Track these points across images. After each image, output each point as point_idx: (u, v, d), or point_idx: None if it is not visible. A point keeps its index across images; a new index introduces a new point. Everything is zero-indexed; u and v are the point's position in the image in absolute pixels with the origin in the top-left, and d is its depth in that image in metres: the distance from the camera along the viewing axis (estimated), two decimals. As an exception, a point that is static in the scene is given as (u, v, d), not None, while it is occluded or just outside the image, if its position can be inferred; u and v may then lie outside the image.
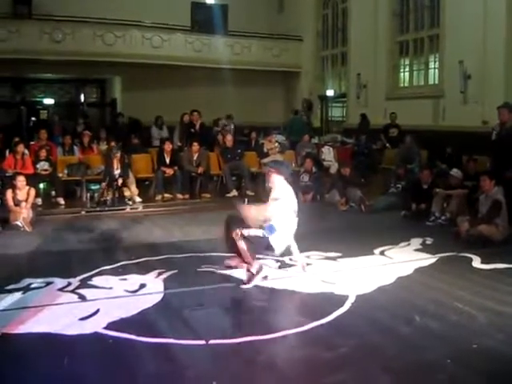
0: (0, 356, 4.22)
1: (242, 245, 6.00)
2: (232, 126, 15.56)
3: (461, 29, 13.96)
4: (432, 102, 15.31)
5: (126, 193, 10.98)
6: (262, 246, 6.14)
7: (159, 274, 6.44)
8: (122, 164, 11.18)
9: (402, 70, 17.41)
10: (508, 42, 13.12)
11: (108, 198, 10.73)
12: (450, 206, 9.34)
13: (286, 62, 21.01)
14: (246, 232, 5.99)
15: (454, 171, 9.91)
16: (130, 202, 10.83)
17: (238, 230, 6.00)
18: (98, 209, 10.42)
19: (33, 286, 5.99)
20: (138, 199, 11.25)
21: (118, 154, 11.21)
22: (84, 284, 6.08)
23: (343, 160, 13.68)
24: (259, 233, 6.03)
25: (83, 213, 10.27)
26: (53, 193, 11.22)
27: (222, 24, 19.83)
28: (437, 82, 15.67)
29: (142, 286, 6.02)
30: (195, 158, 12.27)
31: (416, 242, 8.04)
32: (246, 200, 9.88)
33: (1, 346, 4.44)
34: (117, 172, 11.05)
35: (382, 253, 7.49)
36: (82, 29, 17.35)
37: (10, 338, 4.61)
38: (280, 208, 6.10)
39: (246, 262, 6.12)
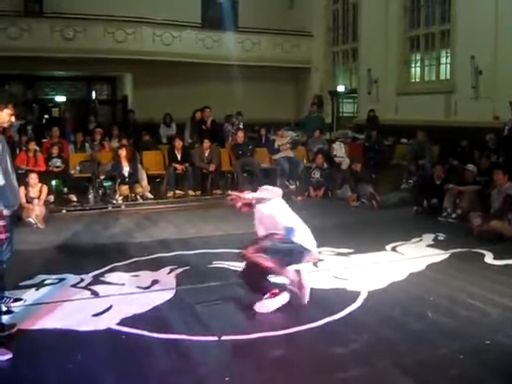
0: (15, 351, 4.24)
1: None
2: (241, 125, 15.51)
3: (472, 24, 13.85)
4: (443, 97, 15.23)
5: (138, 189, 11.02)
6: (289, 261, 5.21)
7: (171, 270, 6.47)
8: (130, 162, 11.22)
9: (413, 66, 17.30)
10: (520, 36, 13.04)
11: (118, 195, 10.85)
12: (462, 202, 9.30)
13: (297, 57, 20.93)
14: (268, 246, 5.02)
15: (470, 166, 9.86)
16: (114, 201, 10.76)
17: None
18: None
19: (46, 282, 6.04)
20: (149, 195, 11.30)
21: (124, 152, 11.25)
22: (97, 280, 6.13)
23: (354, 156, 13.64)
24: (281, 245, 5.05)
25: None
26: (65, 190, 11.28)
27: (233, 20, 19.78)
28: (448, 77, 15.58)
29: (155, 282, 6.06)
30: (206, 154, 12.29)
31: (428, 238, 8.02)
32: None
33: (16, 341, 4.47)
34: (126, 170, 11.10)
35: (393, 249, 7.48)
36: (93, 26, 17.38)
37: (24, 334, 4.65)
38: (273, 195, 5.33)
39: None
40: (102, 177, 11.18)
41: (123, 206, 10.67)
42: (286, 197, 6.70)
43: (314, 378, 4.02)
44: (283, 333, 4.68)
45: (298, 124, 18.11)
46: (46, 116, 20.58)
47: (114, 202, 10.73)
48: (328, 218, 9.50)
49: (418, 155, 12.76)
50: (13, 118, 4.73)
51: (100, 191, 11.05)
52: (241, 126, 15.30)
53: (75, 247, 7.76)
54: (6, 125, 4.75)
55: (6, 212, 4.43)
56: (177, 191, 11.80)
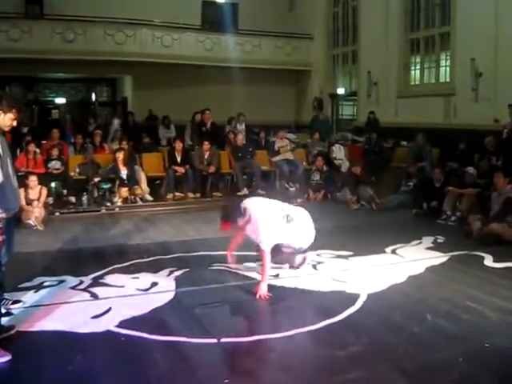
0: (15, 353, 4.24)
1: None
2: (243, 126, 15.48)
3: (472, 26, 13.85)
4: (443, 99, 15.23)
5: (138, 191, 11.02)
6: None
7: (171, 272, 6.47)
8: (127, 164, 11.22)
9: (412, 68, 17.30)
10: (520, 39, 13.04)
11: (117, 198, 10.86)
12: (461, 205, 9.31)
13: (297, 60, 20.94)
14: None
15: (470, 169, 9.86)
16: (108, 204, 10.75)
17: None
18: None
19: (45, 284, 6.04)
20: (149, 198, 11.29)
21: (121, 155, 11.26)
22: (96, 282, 6.12)
23: (354, 158, 13.65)
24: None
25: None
26: (64, 191, 11.28)
27: (233, 22, 19.78)
28: (448, 79, 15.58)
29: (154, 284, 6.05)
30: (206, 156, 12.29)
31: (427, 241, 8.02)
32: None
33: (15, 343, 4.47)
34: (124, 173, 11.10)
35: (393, 251, 7.48)
36: (93, 28, 17.38)
37: (23, 336, 4.64)
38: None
39: None
40: (97, 179, 11.14)
41: (117, 209, 10.64)
42: (286, 199, 6.77)
43: (313, 380, 4.01)
44: (282, 335, 4.67)
45: (308, 126, 18.05)
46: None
47: (108, 204, 10.72)
48: (327, 220, 9.49)
49: (417, 158, 12.76)
50: (15, 123, 4.73)
51: (99, 193, 11.05)
52: (242, 127, 15.29)
53: (75, 249, 7.76)
54: (6, 129, 4.75)
55: (2, 214, 4.42)
56: (176, 193, 11.79)
